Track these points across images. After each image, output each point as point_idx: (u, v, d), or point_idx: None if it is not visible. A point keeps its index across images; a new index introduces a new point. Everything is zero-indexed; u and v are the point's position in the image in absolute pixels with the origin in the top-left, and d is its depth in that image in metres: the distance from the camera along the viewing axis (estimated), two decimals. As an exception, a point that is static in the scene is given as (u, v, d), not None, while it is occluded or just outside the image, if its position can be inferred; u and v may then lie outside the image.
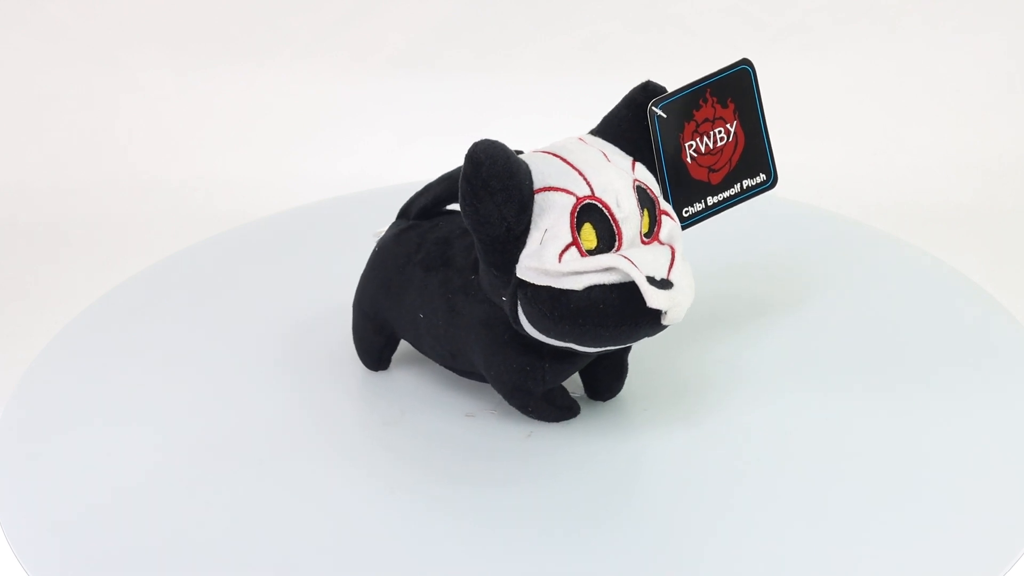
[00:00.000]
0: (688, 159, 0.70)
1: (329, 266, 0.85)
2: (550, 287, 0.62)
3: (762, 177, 0.73)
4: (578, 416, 0.71)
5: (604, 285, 0.62)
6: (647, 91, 0.69)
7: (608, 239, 0.63)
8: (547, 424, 0.71)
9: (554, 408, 0.71)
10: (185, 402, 0.75)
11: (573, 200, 0.63)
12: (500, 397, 0.72)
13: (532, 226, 0.63)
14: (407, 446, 0.70)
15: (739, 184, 0.72)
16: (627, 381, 0.73)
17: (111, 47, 1.62)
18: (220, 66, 1.62)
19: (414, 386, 0.75)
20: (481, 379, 0.71)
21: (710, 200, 0.72)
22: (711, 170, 0.71)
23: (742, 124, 0.71)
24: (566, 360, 0.68)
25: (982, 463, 0.68)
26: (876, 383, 0.75)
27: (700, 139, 0.70)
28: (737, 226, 0.93)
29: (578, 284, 0.62)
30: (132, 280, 0.90)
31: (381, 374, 0.76)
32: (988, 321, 0.81)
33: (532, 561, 0.62)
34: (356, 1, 1.61)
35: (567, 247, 0.62)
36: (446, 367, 0.73)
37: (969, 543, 0.62)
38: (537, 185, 0.63)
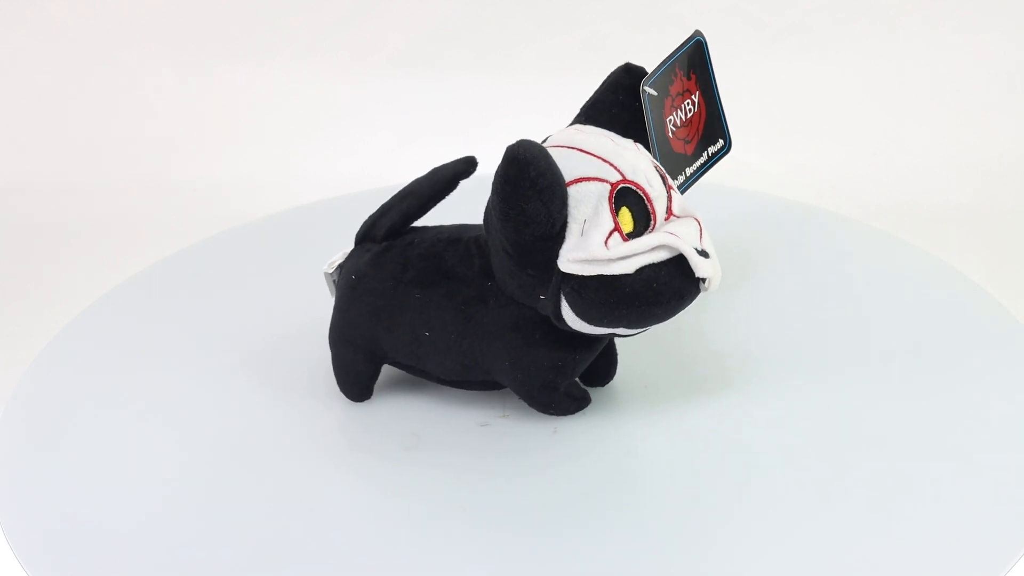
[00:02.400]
0: (669, 133, 0.71)
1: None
2: (601, 275, 0.62)
3: (721, 143, 0.75)
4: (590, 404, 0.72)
5: (653, 264, 0.63)
6: (631, 73, 0.69)
7: (644, 220, 0.63)
8: (561, 418, 0.71)
9: (573, 400, 0.71)
10: (186, 403, 0.75)
11: (608, 187, 0.63)
12: (504, 403, 0.72)
13: (569, 219, 0.63)
14: (441, 465, 0.69)
15: (706, 152, 0.75)
16: (629, 367, 0.74)
17: (111, 47, 1.62)
18: (220, 66, 1.62)
19: (413, 408, 0.73)
20: (489, 387, 0.72)
21: (688, 171, 0.74)
22: (685, 141, 0.73)
23: (702, 94, 0.73)
24: (590, 350, 0.68)
25: (983, 462, 0.68)
26: (875, 380, 0.75)
27: (676, 113, 0.71)
28: (738, 225, 0.93)
29: (630, 267, 0.62)
30: (132, 280, 0.90)
31: (372, 402, 0.74)
32: (988, 320, 0.81)
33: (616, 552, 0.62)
34: (356, 1, 1.61)
35: (610, 233, 0.62)
36: (449, 382, 0.72)
37: (969, 542, 0.62)
38: (567, 178, 0.63)
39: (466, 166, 0.71)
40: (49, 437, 0.73)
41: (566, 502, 0.66)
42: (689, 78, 0.72)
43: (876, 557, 0.61)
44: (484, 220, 0.67)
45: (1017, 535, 0.63)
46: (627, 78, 0.69)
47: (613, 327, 0.64)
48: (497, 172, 0.61)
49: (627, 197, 0.63)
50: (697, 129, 0.74)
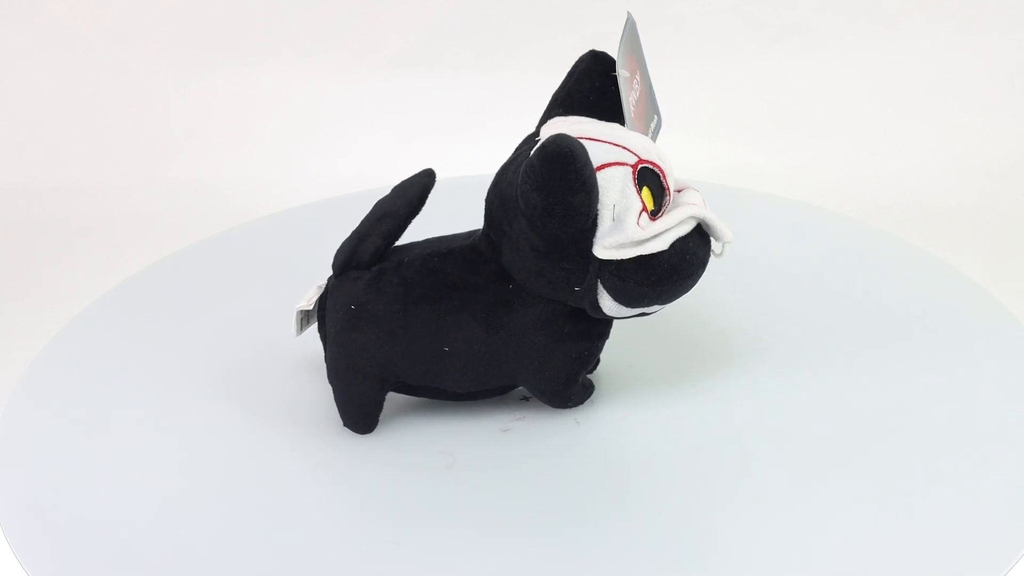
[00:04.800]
0: (631, 113, 0.72)
1: (329, 267, 0.84)
2: (639, 256, 0.63)
3: (656, 118, 0.76)
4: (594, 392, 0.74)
5: (682, 237, 0.64)
6: (600, 60, 0.70)
7: (660, 196, 0.65)
8: (574, 410, 0.72)
9: (585, 390, 0.73)
10: (186, 403, 0.75)
11: (629, 169, 0.63)
12: (509, 407, 0.72)
13: (599, 206, 0.63)
14: (491, 476, 0.68)
15: (649, 128, 0.75)
16: (633, 361, 0.75)
17: (112, 47, 1.62)
18: (220, 66, 1.62)
19: (425, 429, 0.72)
20: (497, 394, 0.72)
21: None
22: (638, 119, 0.73)
23: (640, 73, 0.74)
24: (606, 336, 0.69)
25: (982, 461, 0.68)
26: (873, 377, 0.75)
27: (631, 93, 0.72)
28: (738, 225, 0.93)
29: (664, 244, 0.63)
30: (132, 280, 0.90)
31: (380, 431, 0.72)
32: (988, 319, 0.81)
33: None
34: (356, 1, 1.61)
35: (640, 213, 0.63)
36: (460, 395, 0.71)
37: (969, 541, 0.62)
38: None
39: (429, 179, 0.70)
40: (49, 437, 0.73)
41: (627, 491, 0.67)
42: (630, 58, 0.74)
43: (876, 556, 0.61)
44: (492, 225, 0.67)
45: (1017, 534, 0.62)
46: (598, 65, 0.70)
47: (649, 306, 0.65)
48: (535, 170, 0.61)
49: (646, 176, 0.64)
50: (643, 107, 0.74)
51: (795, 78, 1.59)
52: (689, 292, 0.66)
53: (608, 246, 0.63)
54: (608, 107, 0.69)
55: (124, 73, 1.62)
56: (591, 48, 0.70)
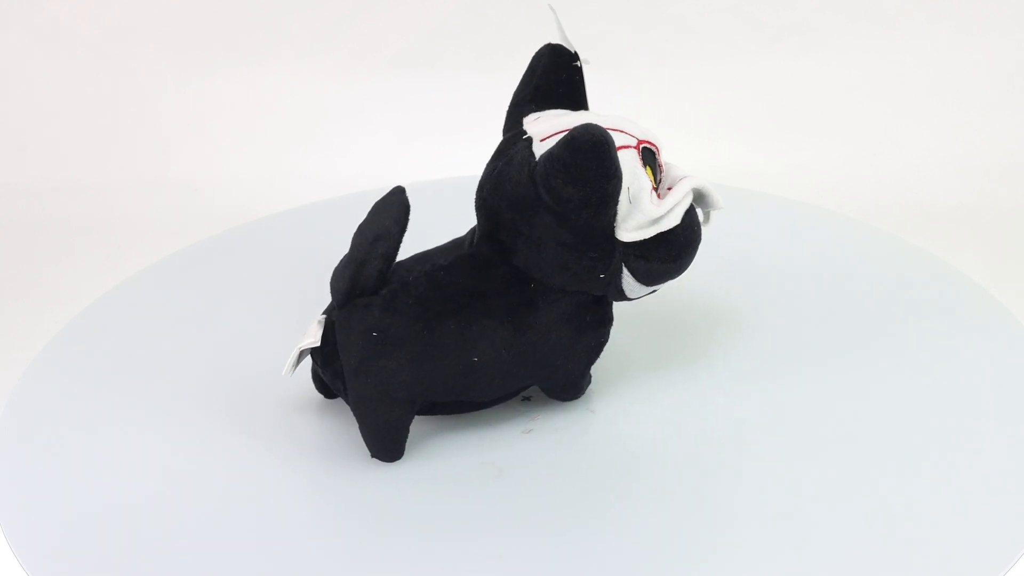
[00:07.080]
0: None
1: (329, 267, 0.84)
2: (658, 234, 0.65)
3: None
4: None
5: (688, 209, 0.66)
6: (559, 53, 0.70)
7: (656, 173, 0.66)
8: (584, 400, 0.73)
9: (588, 379, 0.74)
10: (187, 404, 0.75)
11: (634, 151, 0.64)
12: (518, 409, 0.73)
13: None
14: (543, 478, 0.68)
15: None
16: (635, 357, 0.77)
17: (111, 48, 1.62)
18: (221, 66, 1.62)
19: (445, 446, 0.71)
20: (516, 395, 0.71)
21: None
22: None
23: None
24: (612, 320, 0.70)
25: (981, 461, 0.68)
26: (872, 377, 0.75)
27: None
28: (738, 225, 0.93)
29: (677, 218, 0.65)
30: (132, 280, 0.90)
31: (406, 456, 0.70)
32: (988, 319, 0.81)
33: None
34: (356, 1, 1.61)
35: (650, 192, 0.64)
36: (483, 404, 0.71)
37: (969, 540, 0.62)
38: None
39: (404, 195, 0.68)
40: (49, 437, 0.73)
41: (676, 472, 0.68)
42: None
43: (874, 547, 0.61)
44: (501, 228, 0.66)
45: (1017, 534, 0.62)
46: (558, 57, 0.70)
47: (669, 278, 0.67)
48: (566, 164, 0.61)
49: (647, 157, 0.65)
50: None
51: (795, 78, 1.59)
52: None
53: (630, 228, 0.64)
54: (576, 97, 0.70)
55: (124, 73, 1.62)
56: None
